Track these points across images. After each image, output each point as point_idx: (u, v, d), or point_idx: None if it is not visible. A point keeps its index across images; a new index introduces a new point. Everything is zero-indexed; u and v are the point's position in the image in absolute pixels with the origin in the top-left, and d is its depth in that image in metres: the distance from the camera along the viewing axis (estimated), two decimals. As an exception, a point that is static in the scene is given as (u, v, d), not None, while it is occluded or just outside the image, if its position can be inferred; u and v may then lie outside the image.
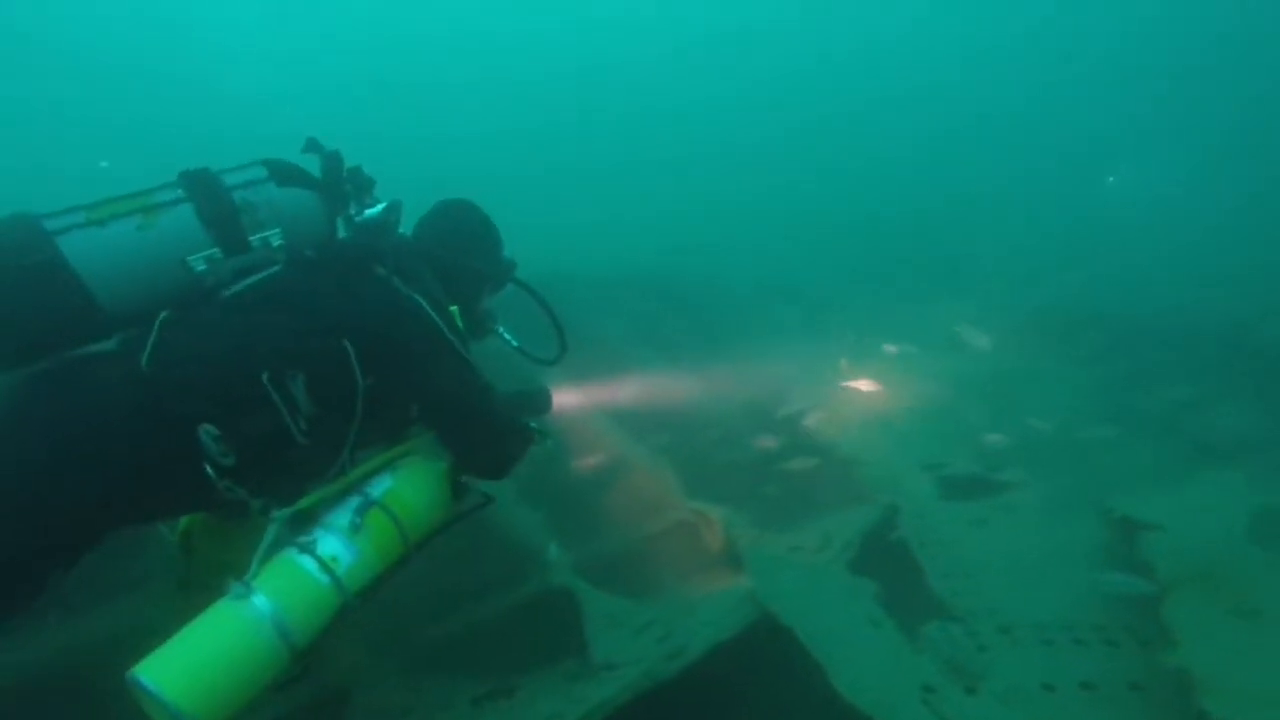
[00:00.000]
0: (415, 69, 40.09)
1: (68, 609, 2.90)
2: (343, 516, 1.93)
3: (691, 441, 6.11)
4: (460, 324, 2.30)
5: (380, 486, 2.02)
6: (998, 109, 30.29)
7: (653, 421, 5.74)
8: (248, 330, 1.94)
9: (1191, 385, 8.08)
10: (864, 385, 7.47)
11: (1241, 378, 8.17)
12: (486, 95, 38.91)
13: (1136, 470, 6.56)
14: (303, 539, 1.87)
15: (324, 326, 2.01)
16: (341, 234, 2.26)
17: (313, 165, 2.24)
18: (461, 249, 2.50)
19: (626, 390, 5.45)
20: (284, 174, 2.11)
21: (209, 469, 1.83)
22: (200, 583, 2.00)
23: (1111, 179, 19.26)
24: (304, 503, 1.94)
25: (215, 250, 1.96)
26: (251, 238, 2.01)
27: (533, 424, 2.51)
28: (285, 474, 1.97)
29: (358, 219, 2.24)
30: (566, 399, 4.89)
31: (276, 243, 2.06)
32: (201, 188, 1.96)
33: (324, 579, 1.82)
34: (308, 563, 1.83)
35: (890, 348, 8.68)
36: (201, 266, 1.94)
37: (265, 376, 1.89)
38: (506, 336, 2.69)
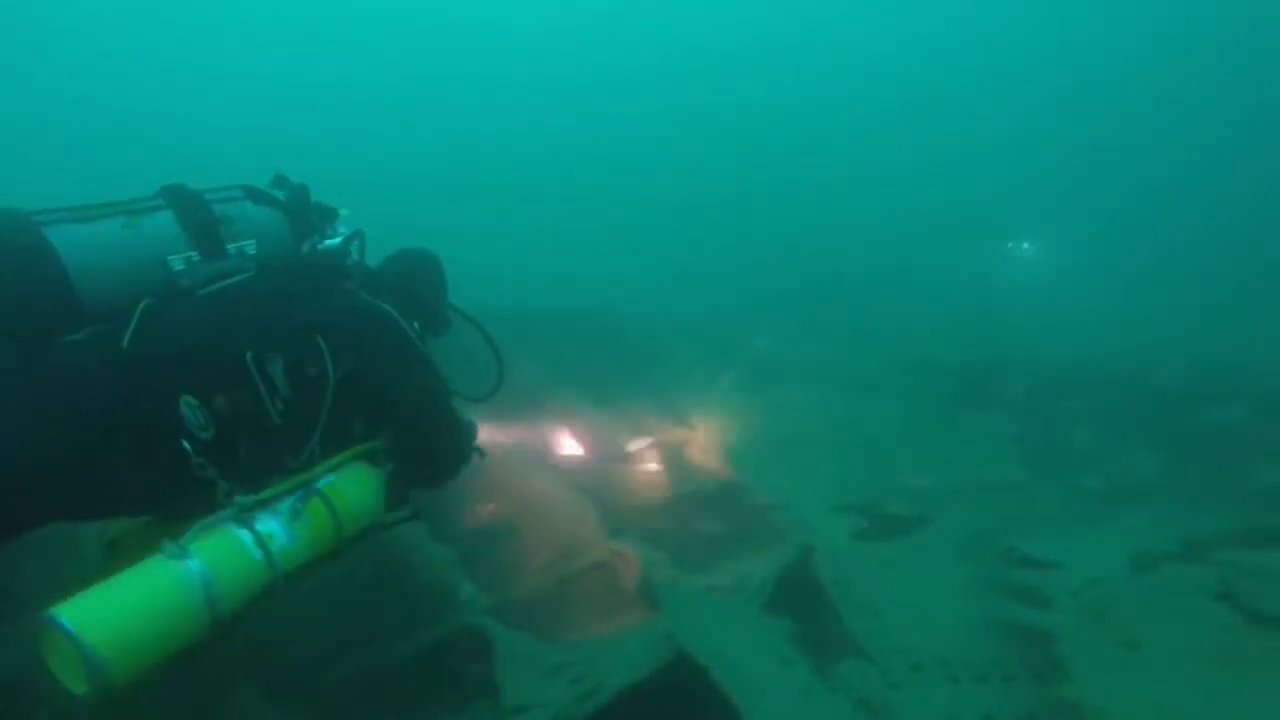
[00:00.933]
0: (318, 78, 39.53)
1: None
2: (284, 503, 2.00)
3: (611, 481, 6.11)
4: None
5: (323, 480, 2.11)
6: (913, 165, 31.77)
7: (572, 460, 5.73)
8: (229, 318, 2.03)
9: (1091, 431, 8.61)
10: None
11: (1135, 425, 8.74)
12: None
13: (1039, 512, 6.90)
14: (245, 516, 1.94)
15: (299, 322, 2.13)
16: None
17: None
18: (418, 285, 2.67)
19: (546, 428, 5.43)
20: (257, 195, 2.29)
21: (186, 444, 1.87)
22: None
23: (1025, 245, 20.53)
24: (267, 493, 2.00)
25: (193, 253, 2.06)
26: (229, 246, 2.14)
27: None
28: (255, 458, 2.03)
29: (320, 245, 2.40)
30: (486, 435, 4.85)
31: (251, 252, 2.19)
32: (182, 198, 2.10)
33: (258, 553, 1.87)
34: (244, 535, 1.88)
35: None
36: (180, 266, 2.03)
37: (249, 356, 2.00)
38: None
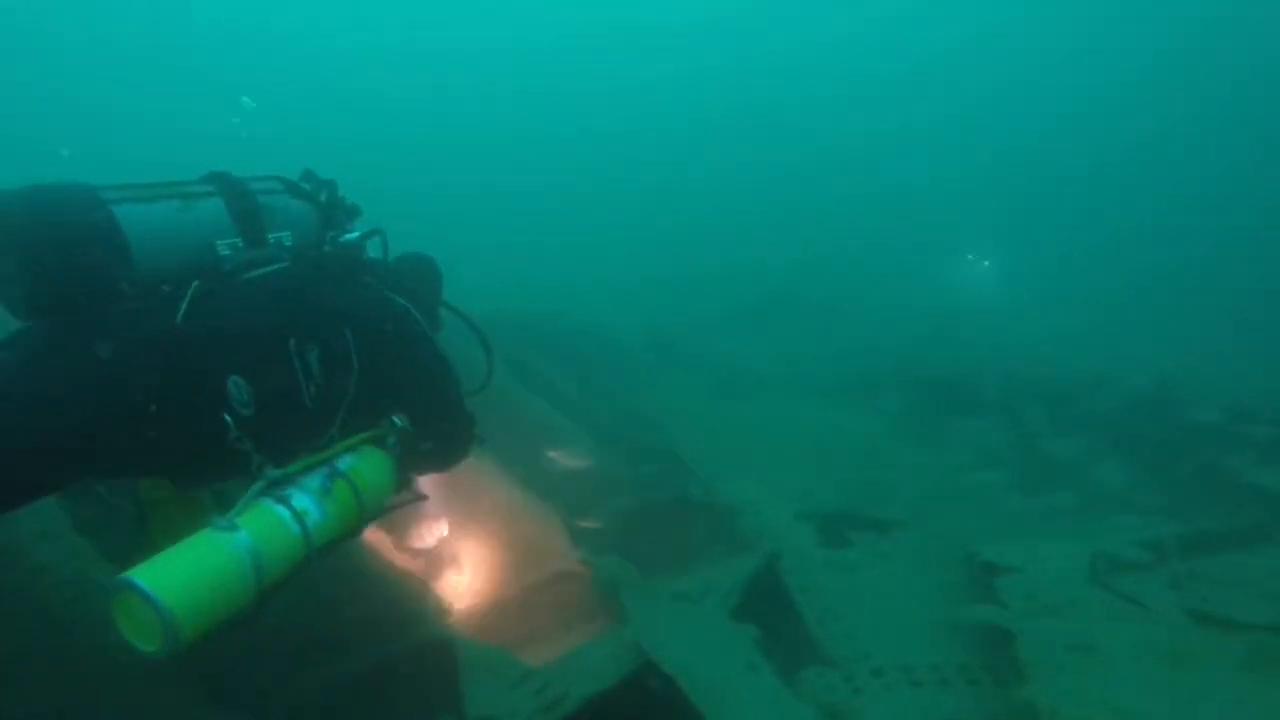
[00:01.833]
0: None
1: None
2: (314, 481, 2.14)
3: (577, 489, 6.09)
4: None
5: (345, 463, 2.25)
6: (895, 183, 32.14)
7: (537, 469, 5.71)
8: (273, 305, 2.20)
9: (1052, 439, 8.81)
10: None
11: (1095, 433, 8.96)
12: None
13: (1001, 518, 7.03)
14: (279, 492, 2.08)
15: (330, 312, 2.31)
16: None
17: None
18: (420, 284, 2.83)
19: (511, 435, 5.40)
20: (294, 189, 2.47)
21: (228, 418, 2.01)
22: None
23: (986, 262, 20.86)
24: (293, 467, 2.14)
25: (238, 240, 2.22)
26: (269, 235, 2.32)
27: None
28: (283, 437, 2.18)
29: (340, 239, 2.55)
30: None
31: (288, 243, 2.36)
32: (231, 187, 2.26)
33: (295, 528, 2.01)
34: (283, 511, 2.01)
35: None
36: (225, 251, 2.19)
37: (291, 342, 2.18)
38: None
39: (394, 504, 2.48)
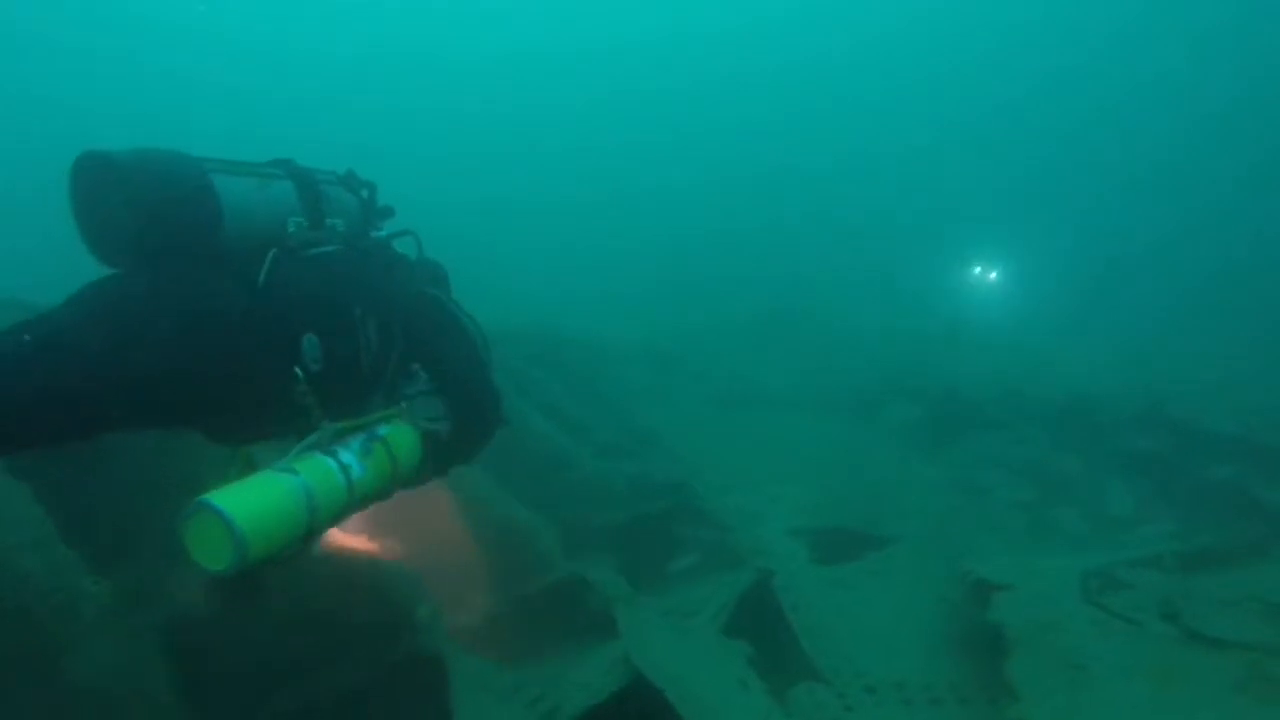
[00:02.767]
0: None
1: None
2: (355, 442, 2.33)
3: (572, 502, 6.07)
4: None
5: (383, 430, 2.45)
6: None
7: (532, 481, 5.68)
8: (339, 278, 2.44)
9: (1045, 456, 8.82)
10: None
11: (1089, 450, 8.96)
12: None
13: (993, 535, 7.02)
14: (328, 447, 2.27)
15: (381, 292, 2.56)
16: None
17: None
18: (437, 285, 3.05)
19: (506, 446, 5.36)
20: (346, 182, 2.71)
21: (300, 371, 2.22)
22: None
23: (993, 274, 20.80)
24: (345, 424, 2.34)
25: (303, 220, 2.44)
26: (327, 220, 2.54)
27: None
28: (341, 397, 2.38)
29: (372, 235, 2.78)
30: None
31: (340, 229, 2.58)
32: (299, 173, 2.51)
33: (341, 478, 2.20)
34: (332, 463, 2.21)
35: None
36: (292, 229, 2.40)
37: (358, 311, 2.43)
38: None
39: (418, 478, 2.66)
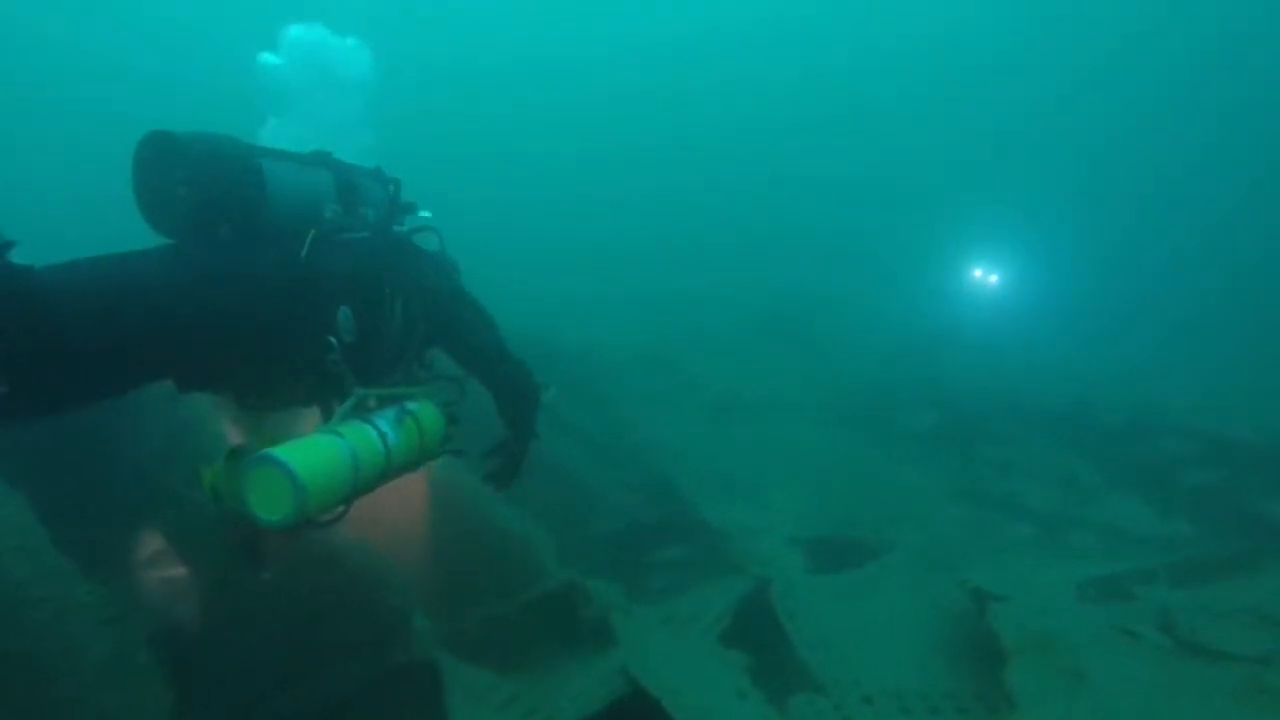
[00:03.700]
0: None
1: None
2: (389, 413, 2.48)
3: (567, 510, 6.06)
4: None
5: (412, 405, 2.59)
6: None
7: (527, 489, 5.66)
8: (371, 258, 2.63)
9: (1044, 466, 8.82)
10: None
11: (1086, 460, 8.97)
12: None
13: (991, 545, 7.00)
14: (366, 415, 2.42)
15: (408, 278, 2.73)
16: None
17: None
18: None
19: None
20: (376, 176, 2.89)
21: (334, 340, 2.40)
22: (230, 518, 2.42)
23: (993, 278, 20.59)
24: (375, 391, 2.51)
25: (338, 207, 2.62)
26: (359, 209, 2.71)
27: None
28: (369, 368, 2.56)
29: (398, 227, 2.95)
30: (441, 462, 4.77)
31: (370, 219, 2.75)
32: (336, 164, 2.69)
33: (380, 445, 2.34)
34: (371, 430, 2.35)
35: None
36: (328, 214, 2.58)
37: (387, 291, 2.61)
38: None
39: (439, 451, 2.78)
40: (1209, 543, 6.40)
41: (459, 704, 3.69)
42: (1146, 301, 22.31)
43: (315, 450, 2.13)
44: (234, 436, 2.77)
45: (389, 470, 2.39)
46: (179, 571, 4.08)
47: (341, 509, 2.24)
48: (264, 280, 2.31)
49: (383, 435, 2.36)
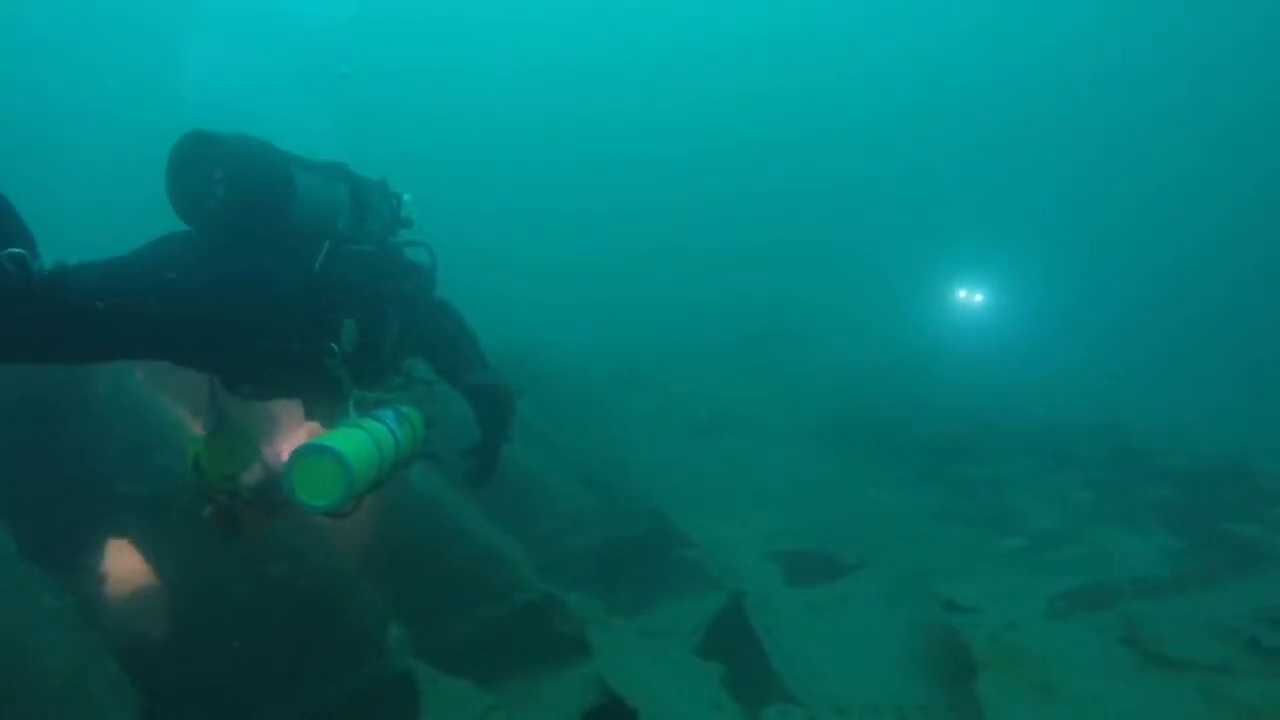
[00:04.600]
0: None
1: None
2: (389, 414, 2.61)
3: (543, 524, 6.06)
4: None
5: (405, 409, 2.72)
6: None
7: (504, 502, 5.66)
8: (376, 273, 2.77)
9: (1014, 483, 8.98)
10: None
11: (1055, 478, 9.15)
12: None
13: (963, 560, 7.10)
14: (374, 412, 2.58)
15: (405, 292, 2.88)
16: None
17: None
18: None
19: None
20: (380, 191, 3.03)
21: (335, 347, 2.52)
22: (212, 491, 2.59)
23: (978, 297, 20.71)
24: (372, 394, 2.66)
25: (349, 220, 2.77)
26: (367, 223, 2.87)
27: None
28: (364, 374, 2.68)
29: (394, 240, 3.09)
30: (420, 472, 4.76)
31: (375, 232, 2.91)
32: (352, 178, 2.84)
33: (390, 439, 2.49)
34: (382, 426, 2.50)
35: None
36: (341, 225, 2.72)
37: (387, 305, 2.76)
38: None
39: (417, 455, 2.88)
40: (1172, 560, 6.55)
41: (437, 715, 3.67)
42: (1132, 313, 22.68)
43: (353, 441, 2.30)
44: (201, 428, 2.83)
45: (398, 463, 2.56)
46: (147, 582, 4.02)
47: (356, 502, 2.36)
48: (279, 283, 2.44)
49: (392, 431, 2.52)
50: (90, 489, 4.09)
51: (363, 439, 2.35)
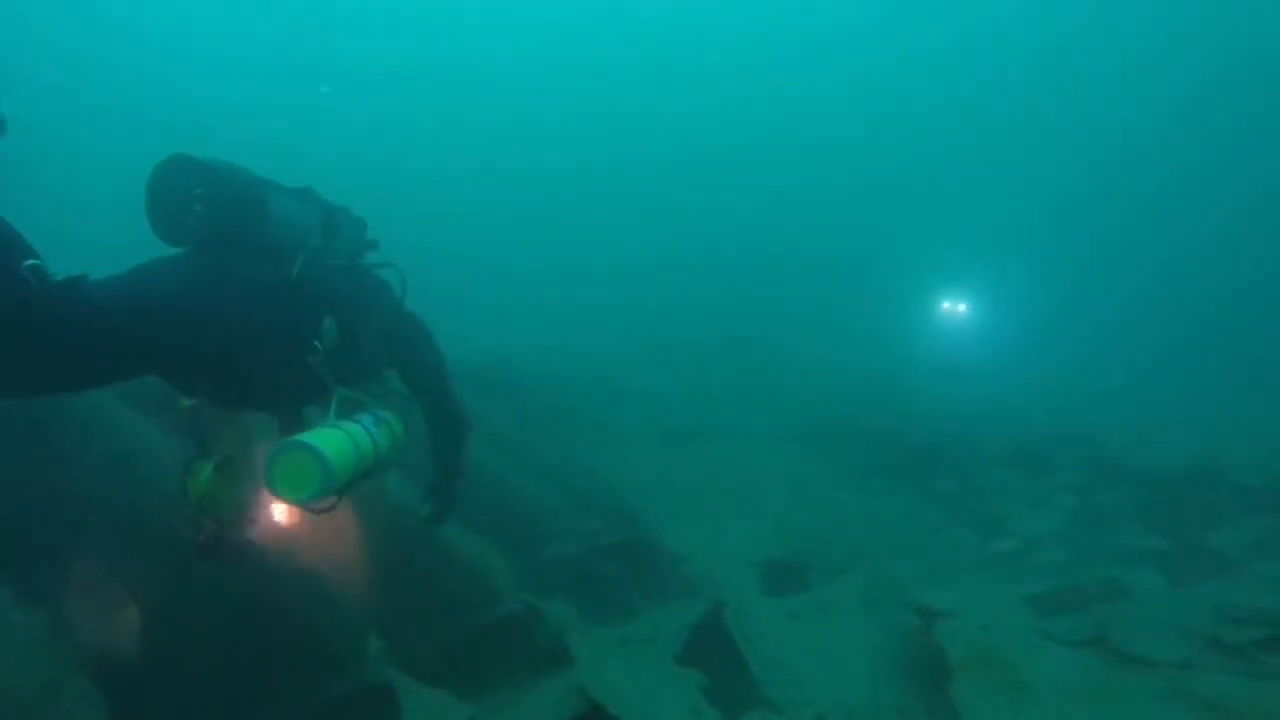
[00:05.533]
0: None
1: None
2: (368, 417, 2.74)
3: (522, 533, 6.05)
4: None
5: (383, 414, 2.87)
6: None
7: (482, 512, 5.66)
8: (349, 282, 2.95)
9: (989, 490, 9.10)
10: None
11: (1028, 485, 9.29)
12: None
13: (939, 566, 7.20)
14: (353, 415, 2.71)
15: (374, 303, 3.05)
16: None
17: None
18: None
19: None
20: (346, 214, 3.16)
21: (318, 344, 2.64)
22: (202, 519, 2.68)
23: (962, 307, 20.75)
24: (353, 394, 2.79)
25: (320, 240, 2.90)
26: (337, 241, 3.00)
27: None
28: (344, 375, 2.79)
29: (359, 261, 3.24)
30: (396, 483, 4.76)
31: (344, 250, 3.05)
32: (322, 202, 3.00)
33: (367, 440, 2.60)
34: (359, 428, 2.62)
35: None
36: (313, 243, 2.86)
37: (361, 310, 2.88)
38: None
39: (396, 459, 3.00)
40: (1143, 561, 6.68)
41: (416, 727, 3.66)
42: (1120, 319, 22.96)
43: (330, 439, 2.41)
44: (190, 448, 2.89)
45: (376, 464, 2.66)
46: (120, 597, 3.98)
47: (334, 500, 2.50)
48: (261, 285, 2.59)
49: (369, 433, 2.63)
50: (64, 503, 4.04)
51: (339, 437, 2.45)
